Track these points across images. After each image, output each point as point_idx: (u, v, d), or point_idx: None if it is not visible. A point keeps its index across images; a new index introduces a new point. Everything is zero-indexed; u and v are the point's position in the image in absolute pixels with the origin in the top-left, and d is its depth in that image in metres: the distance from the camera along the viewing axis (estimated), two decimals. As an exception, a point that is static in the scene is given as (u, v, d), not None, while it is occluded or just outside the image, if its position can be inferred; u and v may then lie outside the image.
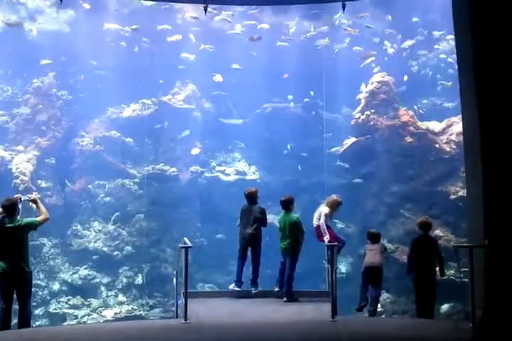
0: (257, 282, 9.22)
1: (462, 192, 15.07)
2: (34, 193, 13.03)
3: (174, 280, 8.60)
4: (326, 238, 9.11)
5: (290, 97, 18.40)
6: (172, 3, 16.84)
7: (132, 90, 18.01)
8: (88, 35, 16.91)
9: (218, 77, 17.94)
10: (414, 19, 17.69)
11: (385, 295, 15.63)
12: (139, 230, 17.18)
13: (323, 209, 9.47)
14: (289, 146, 17.98)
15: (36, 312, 15.35)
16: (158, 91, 18.31)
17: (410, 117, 17.10)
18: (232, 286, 9.35)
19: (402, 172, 16.68)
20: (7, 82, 17.87)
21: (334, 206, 9.55)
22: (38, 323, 15.20)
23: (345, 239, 9.70)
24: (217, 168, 18.31)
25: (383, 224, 16.54)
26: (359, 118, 17.34)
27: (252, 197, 9.34)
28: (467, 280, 7.50)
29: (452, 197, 16.03)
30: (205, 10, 12.97)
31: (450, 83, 16.34)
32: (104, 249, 16.96)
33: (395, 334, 7.01)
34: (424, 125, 17.08)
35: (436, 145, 16.71)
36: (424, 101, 18.19)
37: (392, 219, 16.47)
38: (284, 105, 18.42)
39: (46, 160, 17.18)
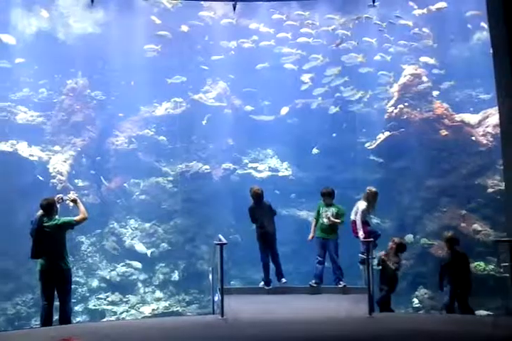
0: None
1: (500, 186, 14.75)
2: (72, 192, 13.25)
3: (210, 276, 8.69)
4: (361, 234, 9.13)
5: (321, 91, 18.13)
6: (201, 2, 16.93)
7: (164, 89, 18.14)
8: (119, 36, 17.10)
9: (305, 77, 17.79)
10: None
11: (422, 291, 15.44)
12: (174, 227, 17.36)
13: (361, 204, 9.52)
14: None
15: (76, 308, 15.64)
16: (190, 90, 18.40)
17: (445, 110, 16.80)
18: (261, 284, 9.45)
19: (438, 166, 16.40)
20: (42, 84, 18.21)
21: (371, 198, 9.56)
22: (78, 319, 15.45)
23: (379, 232, 9.72)
24: (250, 165, 18.33)
25: (419, 219, 16.34)
26: (392, 112, 17.11)
27: (260, 196, 9.44)
28: (507, 274, 7.35)
29: (490, 190, 15.67)
30: (234, 7, 13.02)
31: None
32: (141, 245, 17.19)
33: (433, 330, 6.93)
34: (459, 117, 16.76)
35: (473, 138, 16.38)
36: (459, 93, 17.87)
37: (428, 214, 16.22)
38: (315, 101, 18.24)
39: (82, 160, 17.51)
